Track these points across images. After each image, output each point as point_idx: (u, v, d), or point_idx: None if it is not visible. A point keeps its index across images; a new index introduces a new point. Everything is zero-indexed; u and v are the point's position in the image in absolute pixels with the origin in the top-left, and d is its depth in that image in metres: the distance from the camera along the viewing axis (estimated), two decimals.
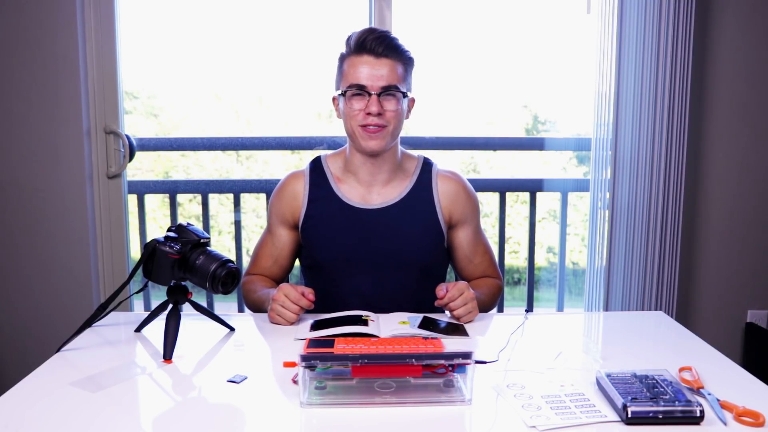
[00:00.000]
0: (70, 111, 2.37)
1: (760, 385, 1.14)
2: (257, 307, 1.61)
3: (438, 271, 1.69)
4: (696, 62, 2.41)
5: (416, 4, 2.58)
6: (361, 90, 1.51)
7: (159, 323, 1.35)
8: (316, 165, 1.67)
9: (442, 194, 1.64)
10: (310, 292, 1.45)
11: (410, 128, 3.15)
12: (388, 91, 1.52)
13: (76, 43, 2.33)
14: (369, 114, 1.51)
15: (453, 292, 1.45)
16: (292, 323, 1.45)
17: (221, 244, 3.54)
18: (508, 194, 2.82)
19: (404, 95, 1.55)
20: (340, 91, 1.56)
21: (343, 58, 1.56)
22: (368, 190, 1.62)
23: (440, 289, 1.47)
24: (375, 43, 1.50)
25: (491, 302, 1.66)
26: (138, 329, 1.41)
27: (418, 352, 1.17)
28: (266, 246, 1.70)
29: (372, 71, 1.51)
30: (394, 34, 1.58)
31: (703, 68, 2.49)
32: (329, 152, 1.71)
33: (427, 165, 1.68)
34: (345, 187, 1.63)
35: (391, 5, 2.43)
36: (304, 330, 1.40)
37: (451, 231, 1.66)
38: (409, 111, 1.61)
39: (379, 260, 1.59)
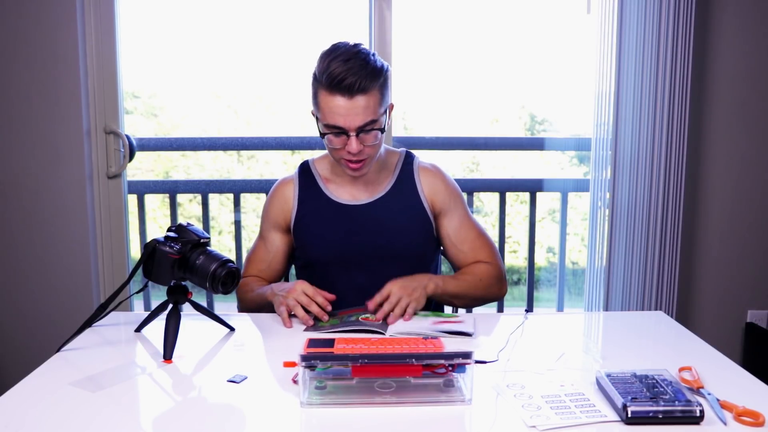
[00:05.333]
0: (70, 111, 2.37)
1: (760, 385, 1.14)
2: (255, 306, 1.61)
3: (429, 259, 1.70)
4: (696, 62, 2.41)
5: (416, 4, 2.58)
6: (339, 130, 1.48)
7: (159, 323, 1.35)
8: (304, 168, 1.71)
9: (425, 185, 1.66)
10: (329, 297, 1.47)
11: (410, 128, 3.15)
12: (365, 128, 1.48)
13: (76, 43, 2.33)
14: (349, 152, 1.49)
15: (377, 298, 1.46)
16: (302, 319, 1.44)
17: (221, 244, 3.55)
18: (508, 194, 2.82)
19: (382, 131, 1.52)
20: (319, 130, 1.52)
21: (316, 84, 1.49)
22: (355, 188, 1.65)
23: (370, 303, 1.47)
24: (348, 83, 1.43)
25: (483, 287, 1.63)
26: (138, 329, 1.41)
27: (418, 351, 1.17)
28: (259, 251, 1.72)
29: (348, 112, 1.45)
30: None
31: (703, 68, 2.49)
32: (316, 155, 1.74)
33: (408, 157, 1.70)
34: (333, 186, 1.66)
35: (391, 5, 2.42)
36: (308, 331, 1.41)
37: (437, 221, 1.68)
38: (389, 117, 1.58)
39: (371, 254, 1.61)
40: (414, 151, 1.75)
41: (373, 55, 1.50)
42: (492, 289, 1.65)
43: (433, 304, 1.67)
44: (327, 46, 1.51)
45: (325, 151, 1.71)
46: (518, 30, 3.04)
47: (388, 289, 1.47)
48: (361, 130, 1.47)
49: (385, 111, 1.53)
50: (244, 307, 1.67)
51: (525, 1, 2.90)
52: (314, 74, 1.50)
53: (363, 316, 1.45)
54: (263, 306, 1.58)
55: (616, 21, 2.35)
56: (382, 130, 1.53)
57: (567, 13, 2.78)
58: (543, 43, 3.00)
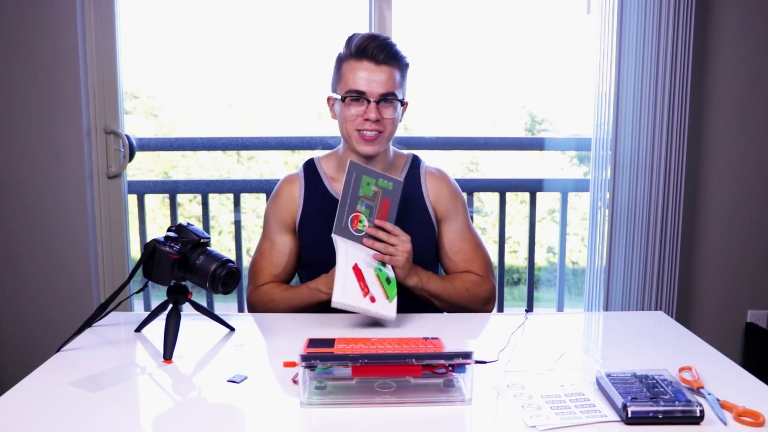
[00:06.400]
0: (70, 111, 2.37)
1: (760, 385, 1.14)
2: (287, 310, 1.61)
3: (431, 262, 1.70)
4: (696, 62, 2.41)
5: (416, 4, 2.58)
6: (359, 96, 1.53)
7: (159, 323, 1.35)
8: (310, 166, 1.71)
9: (431, 189, 1.68)
10: None
11: (410, 128, 3.15)
12: (387, 98, 1.54)
13: (76, 43, 2.33)
14: (367, 120, 1.53)
15: (389, 226, 1.50)
16: None
17: (221, 244, 3.55)
18: (508, 194, 2.82)
19: (401, 102, 1.58)
20: (338, 96, 1.57)
21: (341, 60, 1.57)
22: None
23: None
24: (376, 50, 1.52)
25: (467, 298, 1.62)
26: (138, 329, 1.41)
27: (418, 351, 1.17)
28: (270, 255, 1.69)
29: (371, 78, 1.52)
30: (395, 38, 1.59)
31: (703, 68, 2.49)
32: (321, 154, 1.74)
33: (415, 161, 1.71)
34: (339, 185, 1.65)
35: (391, 5, 2.42)
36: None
37: (437, 226, 1.69)
38: (402, 115, 1.63)
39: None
40: (414, 152, 1.75)
41: None
42: (477, 303, 1.64)
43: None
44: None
45: (332, 150, 1.72)
46: (518, 30, 3.04)
47: (401, 233, 1.50)
48: (382, 98, 1.52)
49: (402, 101, 1.58)
50: (278, 309, 1.64)
51: (525, 1, 2.89)
52: (339, 55, 1.58)
53: (366, 222, 1.49)
54: (300, 308, 1.58)
55: (616, 21, 2.35)
56: (402, 102, 1.58)
57: (567, 13, 2.78)
58: (543, 43, 3.00)
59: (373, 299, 1.41)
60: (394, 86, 1.54)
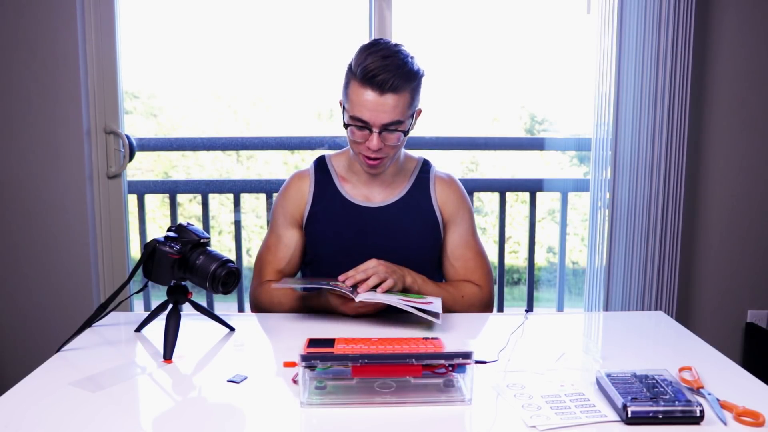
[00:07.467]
0: (70, 111, 2.37)
1: (760, 385, 1.14)
2: (287, 310, 1.60)
3: (435, 267, 1.70)
4: (696, 62, 2.41)
5: (416, 4, 2.58)
6: (363, 126, 1.49)
7: (159, 323, 1.35)
8: (321, 163, 1.71)
9: (439, 194, 1.68)
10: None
11: None
12: (390, 126, 1.49)
13: (76, 43, 2.33)
14: (369, 148, 1.51)
15: (351, 272, 1.45)
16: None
17: (221, 244, 3.54)
18: (508, 194, 2.82)
19: (405, 133, 1.53)
20: (344, 120, 1.54)
21: (349, 76, 1.51)
22: (370, 189, 1.66)
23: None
24: (382, 81, 1.45)
25: (462, 305, 1.61)
26: (138, 329, 1.41)
27: (418, 351, 1.17)
28: (276, 249, 1.69)
29: (375, 107, 1.47)
30: (395, 38, 1.55)
31: (703, 68, 2.49)
32: (333, 152, 1.74)
33: (425, 165, 1.72)
34: (348, 185, 1.67)
35: (391, 5, 2.42)
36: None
37: (443, 231, 1.68)
38: (414, 122, 1.59)
39: (379, 256, 1.59)
40: (415, 152, 1.75)
41: (412, 57, 1.52)
42: (472, 311, 1.63)
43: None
44: (366, 41, 1.54)
45: (344, 149, 1.73)
46: (518, 30, 3.04)
47: (368, 263, 1.47)
48: (385, 128, 1.49)
49: (412, 115, 1.54)
50: (270, 310, 1.64)
51: (525, 1, 2.90)
52: (350, 65, 1.52)
53: (333, 282, 1.44)
54: (297, 309, 1.58)
55: (616, 21, 2.35)
56: (406, 133, 1.54)
57: (567, 13, 2.78)
58: (543, 43, 3.00)
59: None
60: (398, 113, 1.48)
